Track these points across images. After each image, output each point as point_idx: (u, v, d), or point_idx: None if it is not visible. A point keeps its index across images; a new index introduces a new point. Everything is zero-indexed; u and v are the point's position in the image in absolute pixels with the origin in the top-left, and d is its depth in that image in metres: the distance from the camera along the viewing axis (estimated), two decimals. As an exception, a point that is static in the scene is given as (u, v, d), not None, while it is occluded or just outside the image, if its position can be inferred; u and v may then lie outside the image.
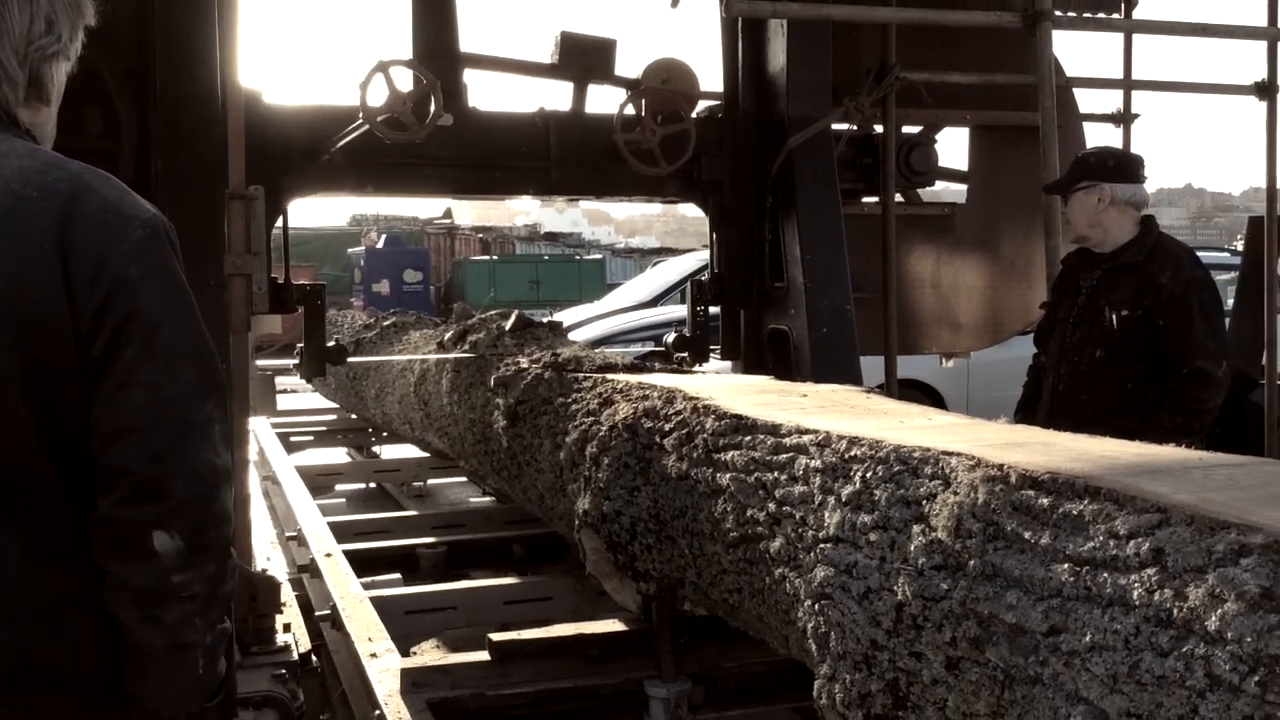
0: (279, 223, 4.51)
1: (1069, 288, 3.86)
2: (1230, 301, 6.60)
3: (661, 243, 45.63)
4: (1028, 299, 5.67)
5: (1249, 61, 6.08)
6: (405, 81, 4.11)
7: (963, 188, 5.94)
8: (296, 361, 4.78)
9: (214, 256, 3.71)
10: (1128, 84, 5.95)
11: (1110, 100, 6.18)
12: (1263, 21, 5.44)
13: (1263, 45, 5.55)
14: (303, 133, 4.46)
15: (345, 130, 4.23)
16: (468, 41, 4.76)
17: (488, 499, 6.54)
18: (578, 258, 30.40)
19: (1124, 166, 3.77)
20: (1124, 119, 6.08)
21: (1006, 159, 5.74)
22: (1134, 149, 5.81)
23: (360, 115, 4.08)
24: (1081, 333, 3.74)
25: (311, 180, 4.54)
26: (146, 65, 3.96)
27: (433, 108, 4.06)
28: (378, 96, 4.06)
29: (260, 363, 6.33)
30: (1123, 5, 5.98)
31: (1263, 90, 5.59)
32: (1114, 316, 3.62)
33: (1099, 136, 6.22)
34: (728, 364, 5.43)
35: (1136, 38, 5.84)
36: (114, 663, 1.57)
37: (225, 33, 3.76)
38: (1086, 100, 6.03)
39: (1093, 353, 3.69)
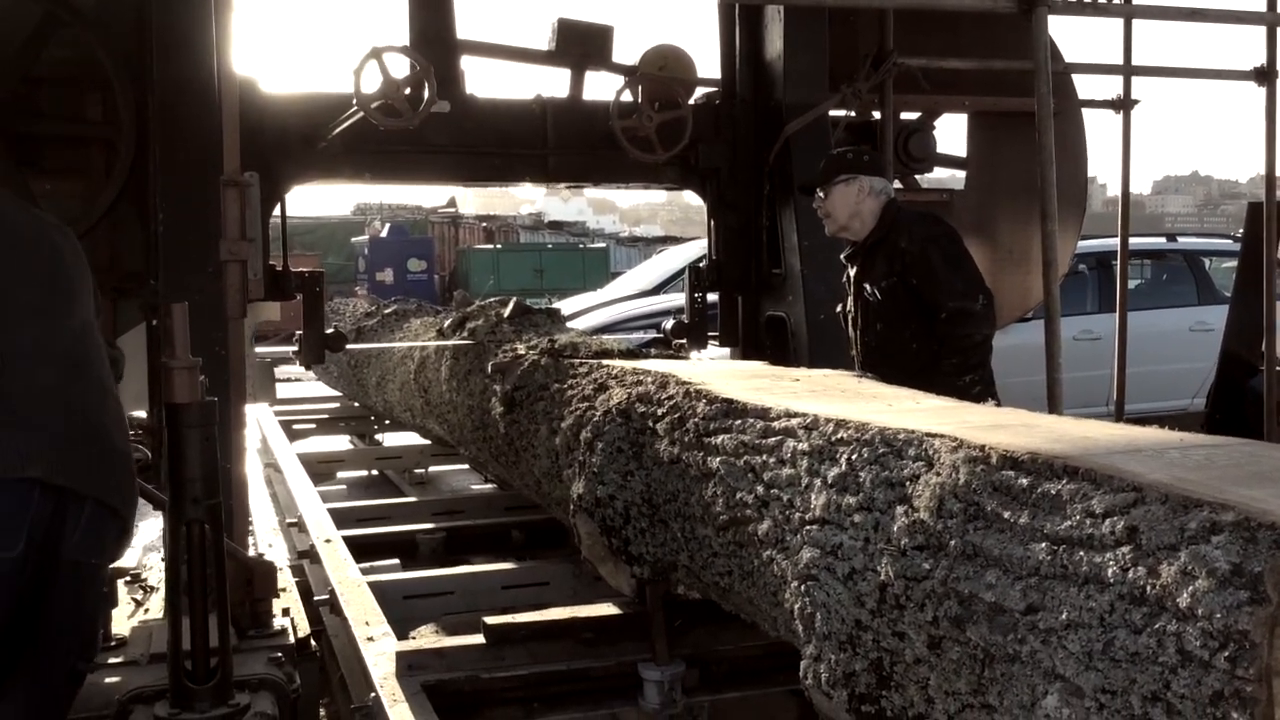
0: (277, 210, 4.52)
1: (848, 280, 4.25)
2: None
3: (666, 231, 45.52)
4: (1026, 285, 5.67)
5: (1250, 47, 6.05)
6: (399, 68, 4.11)
7: (961, 174, 5.93)
8: (296, 349, 4.80)
9: (211, 243, 3.72)
10: (1127, 70, 5.93)
11: (1112, 86, 6.17)
12: (1261, 6, 5.43)
13: (1262, 30, 5.54)
14: (300, 120, 4.46)
15: (341, 117, 4.23)
16: (464, 28, 4.77)
17: (489, 485, 6.55)
18: (581, 246, 30.34)
19: (875, 161, 4.22)
20: (1124, 105, 6.07)
21: (1005, 145, 5.72)
22: (1136, 135, 5.91)
23: (354, 102, 4.08)
24: (861, 315, 4.13)
25: (309, 168, 4.54)
26: (144, 51, 3.97)
27: (426, 94, 4.05)
28: (371, 83, 4.06)
29: (260, 350, 6.34)
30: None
31: (1262, 76, 5.57)
32: (876, 290, 4.02)
33: (1099, 122, 6.22)
34: (726, 350, 5.44)
35: (1141, 24, 5.81)
36: None
37: (219, 19, 3.77)
38: (1087, 86, 6.03)
39: (874, 328, 4.07)
